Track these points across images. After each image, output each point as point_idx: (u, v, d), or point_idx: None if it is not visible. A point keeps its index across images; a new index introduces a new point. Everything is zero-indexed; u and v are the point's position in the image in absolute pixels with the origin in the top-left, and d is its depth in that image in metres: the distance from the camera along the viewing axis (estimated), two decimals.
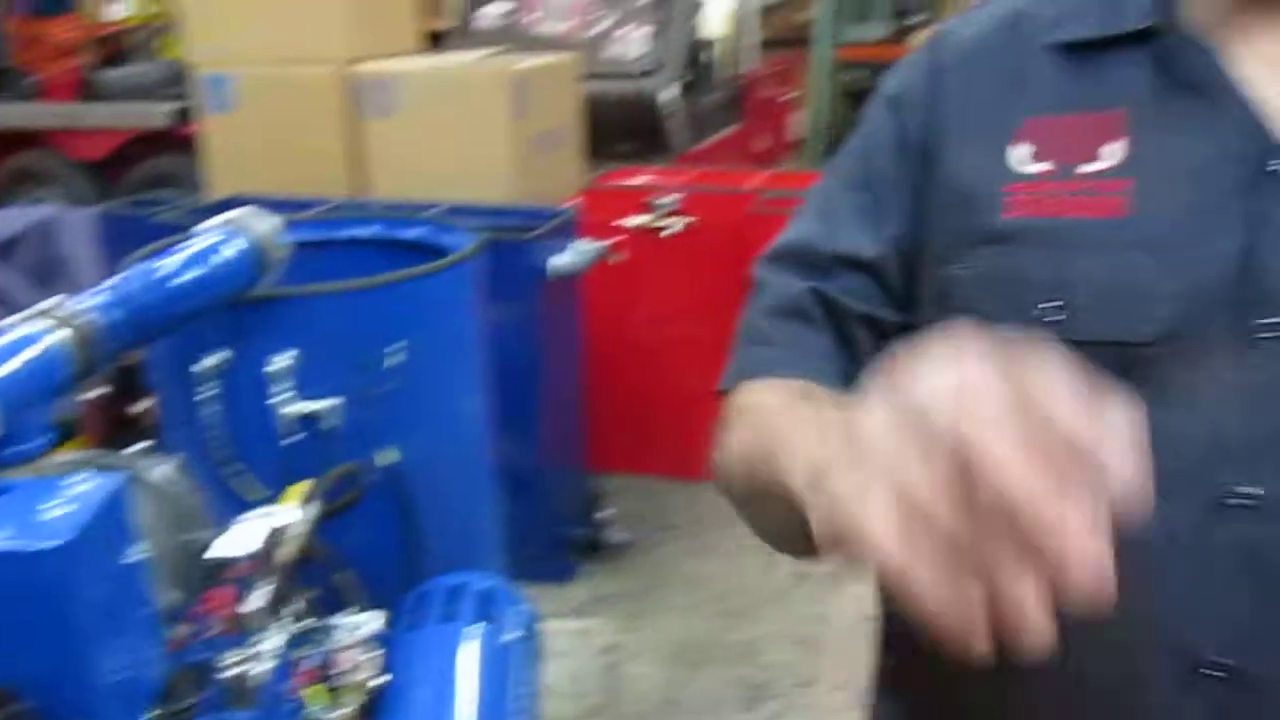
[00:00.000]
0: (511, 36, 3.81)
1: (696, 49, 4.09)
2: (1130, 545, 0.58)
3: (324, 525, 1.15)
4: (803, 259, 0.79)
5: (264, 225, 1.19)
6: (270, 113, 2.75)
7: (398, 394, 1.36)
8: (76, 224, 3.23)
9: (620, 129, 3.86)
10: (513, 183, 2.54)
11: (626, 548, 2.66)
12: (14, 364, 0.90)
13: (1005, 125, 0.71)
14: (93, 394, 1.87)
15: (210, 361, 1.30)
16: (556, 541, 2.48)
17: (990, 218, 0.70)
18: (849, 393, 0.70)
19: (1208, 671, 0.63)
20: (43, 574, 0.71)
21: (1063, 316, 0.67)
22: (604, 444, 2.70)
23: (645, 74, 3.66)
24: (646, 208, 2.48)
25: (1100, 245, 0.67)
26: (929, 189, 0.74)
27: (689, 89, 3.98)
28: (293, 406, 1.30)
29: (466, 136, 2.52)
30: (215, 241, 1.15)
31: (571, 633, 2.30)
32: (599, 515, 2.60)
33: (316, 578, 1.15)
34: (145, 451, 0.99)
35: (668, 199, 2.46)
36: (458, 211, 2.24)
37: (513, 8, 3.94)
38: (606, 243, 2.43)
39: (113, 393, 1.93)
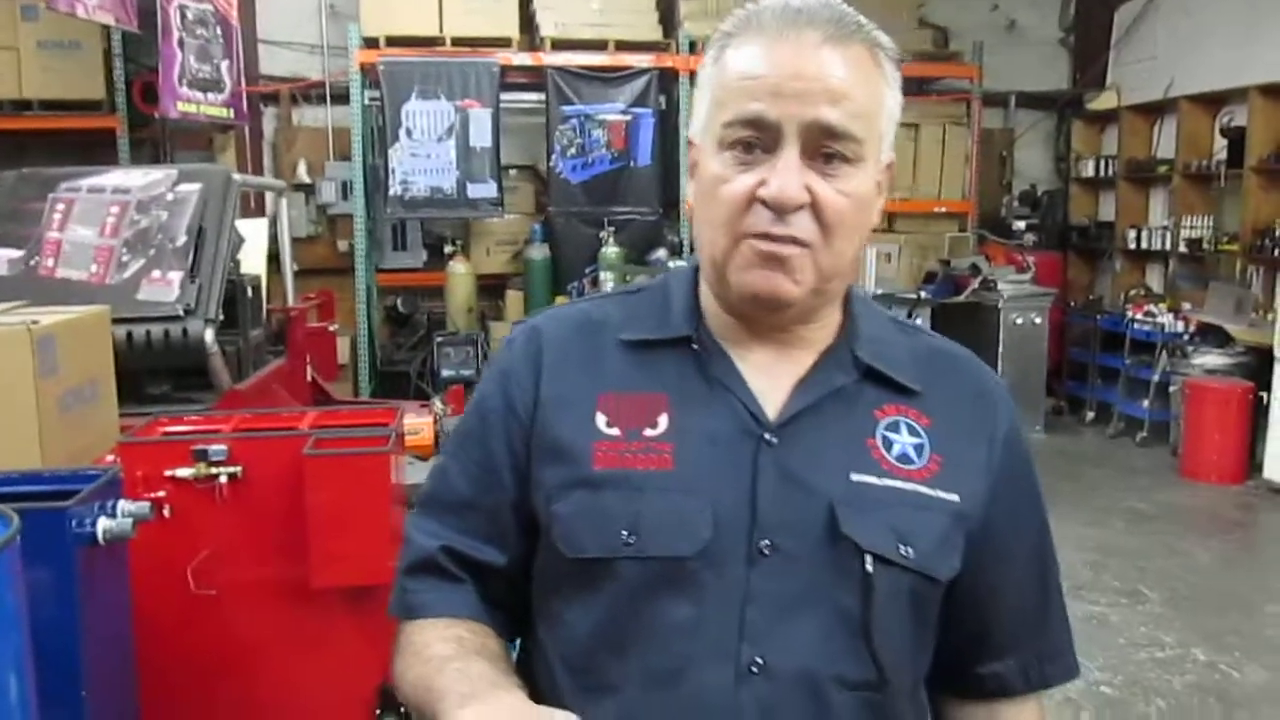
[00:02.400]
0: (29, 284, 3.60)
1: (236, 286, 4.11)
2: (684, 702, 0.88)
3: None
4: (437, 506, 1.03)
5: None
6: None
7: None
8: None
9: (160, 371, 3.75)
10: (41, 445, 2.41)
11: None
12: None
13: (590, 398, 0.96)
14: None
15: None
16: None
17: (584, 467, 0.94)
18: (490, 619, 1.00)
19: None
20: None
21: (634, 540, 0.91)
22: (161, 710, 2.52)
23: (184, 315, 3.61)
24: (194, 459, 2.45)
25: (658, 490, 0.93)
26: (534, 443, 0.97)
27: (230, 326, 3.98)
28: None
29: None
30: None
31: None
32: None
33: None
34: None
35: (217, 448, 2.45)
36: None
37: (29, 253, 3.74)
38: (154, 497, 2.36)
39: None
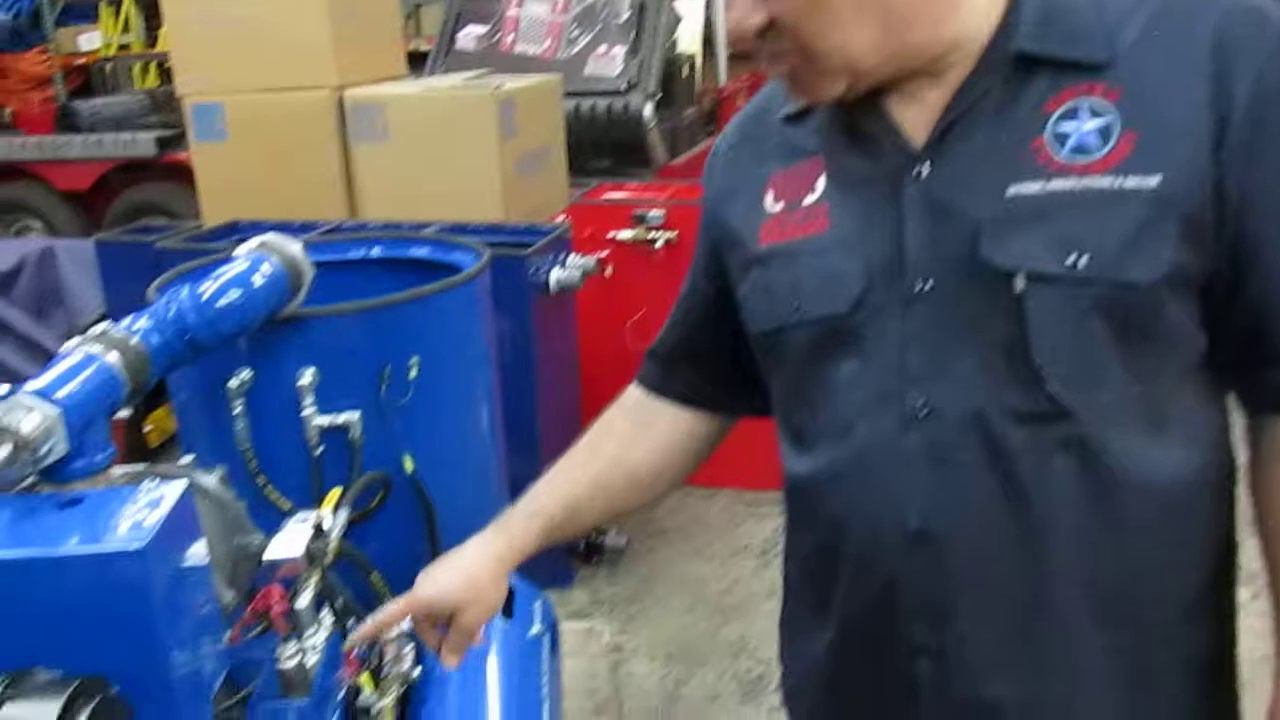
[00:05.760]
0: (491, 58, 3.89)
1: (673, 64, 4.17)
2: (857, 453, 0.90)
3: (352, 530, 1.22)
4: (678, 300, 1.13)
5: (294, 249, 1.26)
6: (262, 140, 2.81)
7: (415, 405, 1.43)
8: (74, 254, 3.27)
9: (601, 144, 3.95)
10: (503, 202, 2.62)
11: (622, 553, 2.73)
12: (76, 385, 0.97)
13: (759, 181, 0.97)
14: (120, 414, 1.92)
15: (236, 380, 1.37)
16: (555, 548, 2.54)
17: (754, 248, 0.96)
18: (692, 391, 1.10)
19: (913, 533, 0.88)
20: (124, 574, 0.76)
21: (798, 305, 0.92)
22: None
23: (626, 90, 3.74)
24: (634, 222, 2.56)
25: (815, 252, 0.92)
26: (719, 247, 1.02)
27: (666, 104, 4.07)
28: (317, 420, 1.37)
29: (458, 158, 2.60)
30: (251, 265, 1.21)
31: (576, 633, 2.37)
32: None
33: (348, 578, 1.22)
34: (191, 465, 1.05)
35: (655, 213, 2.54)
36: (454, 230, 2.32)
37: (491, 29, 4.02)
38: (598, 256, 2.51)
39: (134, 412, 1.94)
